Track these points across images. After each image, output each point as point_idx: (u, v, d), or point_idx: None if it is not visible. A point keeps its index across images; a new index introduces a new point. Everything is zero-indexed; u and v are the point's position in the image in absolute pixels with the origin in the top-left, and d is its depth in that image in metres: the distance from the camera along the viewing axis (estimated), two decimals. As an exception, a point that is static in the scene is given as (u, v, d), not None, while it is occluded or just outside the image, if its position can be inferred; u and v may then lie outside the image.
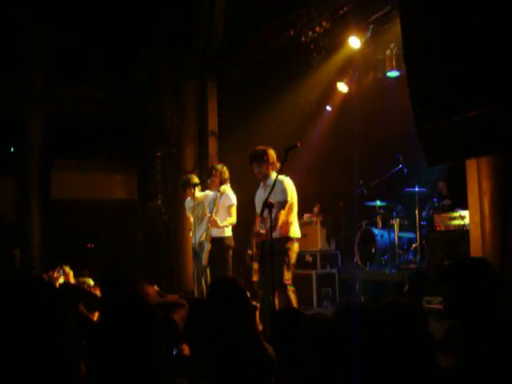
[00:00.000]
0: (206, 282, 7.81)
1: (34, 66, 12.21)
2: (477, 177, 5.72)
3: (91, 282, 5.72)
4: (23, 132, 12.16)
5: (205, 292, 7.82)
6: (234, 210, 7.55)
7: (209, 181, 8.00)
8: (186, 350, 4.31)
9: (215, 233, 7.68)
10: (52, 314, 1.38)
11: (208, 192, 8.09)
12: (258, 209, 6.55)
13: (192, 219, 8.11)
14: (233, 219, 7.61)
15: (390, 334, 3.31)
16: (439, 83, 4.58)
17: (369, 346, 2.81)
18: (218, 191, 7.61)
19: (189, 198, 8.23)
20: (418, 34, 4.76)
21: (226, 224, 7.59)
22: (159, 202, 10.70)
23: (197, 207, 8.08)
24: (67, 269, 5.73)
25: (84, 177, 12.93)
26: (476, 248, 6.07)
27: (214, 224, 7.57)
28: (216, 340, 3.17)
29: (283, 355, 3.51)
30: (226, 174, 7.62)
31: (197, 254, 8.08)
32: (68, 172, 12.78)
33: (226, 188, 7.57)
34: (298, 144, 5.75)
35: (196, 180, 8.23)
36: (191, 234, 8.59)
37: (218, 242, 7.70)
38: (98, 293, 4.79)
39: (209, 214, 7.67)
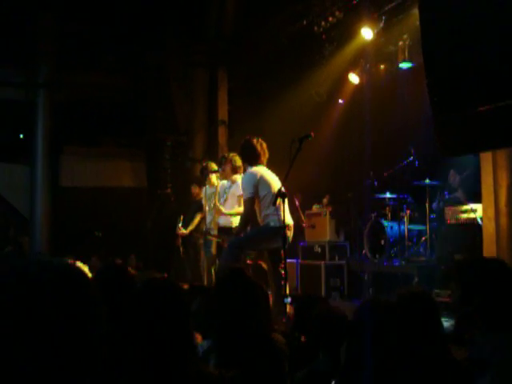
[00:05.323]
0: (215, 271, 7.79)
1: (42, 52, 12.17)
2: (492, 169, 5.67)
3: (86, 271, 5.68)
4: (32, 119, 12.14)
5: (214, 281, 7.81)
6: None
7: (220, 170, 7.96)
8: (198, 338, 4.30)
9: (223, 222, 7.61)
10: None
11: (223, 182, 8.03)
12: None
13: (207, 207, 8.10)
14: (242, 209, 7.52)
15: (405, 325, 3.30)
16: (458, 74, 4.53)
17: (382, 338, 2.79)
18: (231, 180, 7.58)
19: (207, 185, 8.19)
20: (437, 23, 4.71)
21: (233, 213, 7.49)
22: (168, 189, 10.68)
23: (211, 196, 8.05)
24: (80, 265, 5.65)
25: (93, 164, 12.91)
26: (489, 243, 6.02)
27: (218, 212, 7.52)
28: (221, 333, 3.14)
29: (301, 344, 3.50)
30: (237, 162, 7.53)
31: (207, 243, 8.06)
32: (77, 159, 12.77)
33: (238, 177, 7.52)
34: (312, 134, 5.74)
35: (214, 167, 8.17)
36: (181, 224, 8.57)
37: (225, 231, 7.64)
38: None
39: (217, 202, 7.63)
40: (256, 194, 6.39)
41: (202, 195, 8.36)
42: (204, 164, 8.47)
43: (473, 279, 2.84)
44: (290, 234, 6.40)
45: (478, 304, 2.74)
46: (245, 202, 6.52)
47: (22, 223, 12.10)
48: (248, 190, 6.43)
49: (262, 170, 6.56)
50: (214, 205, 7.53)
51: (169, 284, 2.01)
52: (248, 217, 6.50)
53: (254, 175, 6.46)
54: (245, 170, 6.82)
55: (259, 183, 6.41)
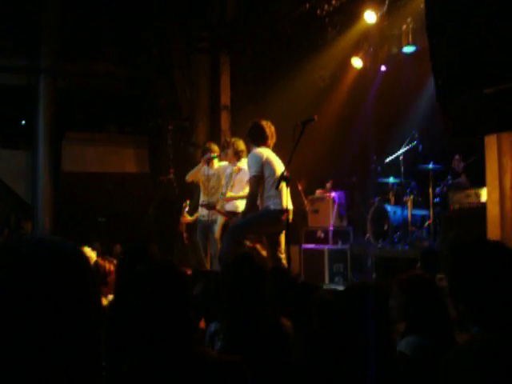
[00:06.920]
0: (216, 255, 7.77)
1: (45, 39, 12.11)
2: (497, 154, 5.64)
3: (93, 255, 5.65)
4: (34, 105, 12.11)
5: (214, 265, 7.78)
6: None
7: (223, 154, 7.95)
8: (201, 322, 4.29)
9: (230, 207, 7.59)
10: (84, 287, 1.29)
11: (225, 163, 8.02)
12: None
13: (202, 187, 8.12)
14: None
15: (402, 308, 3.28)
16: (463, 57, 4.49)
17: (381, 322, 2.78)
18: (235, 165, 7.54)
19: (205, 166, 8.16)
20: (442, 6, 4.66)
21: (240, 195, 7.47)
22: (171, 175, 10.65)
23: (212, 177, 8.03)
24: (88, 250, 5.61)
25: (95, 150, 12.91)
26: (494, 226, 6.01)
27: (227, 199, 7.54)
28: (229, 316, 3.13)
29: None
30: (240, 147, 7.53)
31: (206, 227, 8.02)
32: (79, 145, 12.76)
33: (244, 163, 7.49)
34: (316, 117, 5.72)
35: (216, 149, 8.15)
36: (187, 208, 8.54)
37: (233, 216, 7.58)
38: (107, 265, 4.74)
39: (224, 191, 7.61)
40: (261, 172, 6.41)
41: (200, 175, 8.29)
42: (207, 145, 8.44)
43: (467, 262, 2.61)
44: (286, 218, 6.40)
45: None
46: (250, 180, 6.52)
47: (25, 209, 12.10)
48: (254, 168, 6.45)
49: (268, 152, 6.58)
50: (224, 193, 7.53)
51: (170, 267, 1.99)
52: (255, 196, 6.50)
53: (260, 155, 6.50)
54: (249, 152, 6.82)
55: (264, 163, 6.43)
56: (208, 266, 7.95)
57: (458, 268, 2.45)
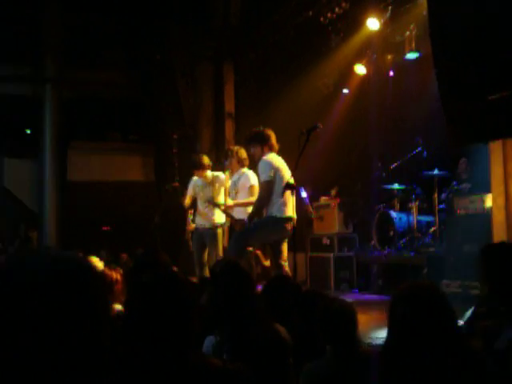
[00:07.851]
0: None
1: (49, 48, 12.19)
2: (502, 159, 5.64)
3: (100, 265, 5.64)
4: (39, 114, 12.16)
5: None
6: (255, 191, 7.42)
7: (226, 163, 7.94)
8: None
9: (238, 214, 7.51)
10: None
11: (219, 173, 8.01)
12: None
13: (188, 200, 8.13)
14: (253, 199, 7.46)
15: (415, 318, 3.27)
16: (467, 63, 4.49)
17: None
18: (243, 173, 7.56)
19: (196, 177, 8.17)
20: (445, 12, 4.66)
21: (240, 202, 7.46)
22: (176, 183, 10.66)
23: (206, 188, 8.04)
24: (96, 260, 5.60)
25: (100, 159, 12.94)
26: (499, 231, 6.01)
27: (229, 207, 7.52)
28: (222, 324, 3.12)
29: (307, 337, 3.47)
30: (243, 155, 7.55)
31: (202, 235, 8.01)
32: (84, 154, 12.79)
33: (245, 170, 7.53)
34: (320, 125, 5.72)
35: (207, 161, 8.15)
36: (191, 216, 8.53)
37: (240, 223, 7.52)
38: (113, 274, 4.74)
39: (229, 201, 7.59)
40: (273, 178, 6.41)
41: (195, 186, 8.30)
42: (195, 158, 8.44)
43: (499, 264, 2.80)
44: (291, 226, 6.41)
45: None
46: (262, 184, 6.52)
47: (31, 218, 12.14)
48: (266, 173, 6.44)
49: (279, 160, 6.61)
50: (225, 205, 7.54)
51: (173, 276, 2.00)
52: (264, 200, 6.48)
53: (272, 161, 6.53)
54: (253, 159, 6.82)
55: (276, 170, 6.45)
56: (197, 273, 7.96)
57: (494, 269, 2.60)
